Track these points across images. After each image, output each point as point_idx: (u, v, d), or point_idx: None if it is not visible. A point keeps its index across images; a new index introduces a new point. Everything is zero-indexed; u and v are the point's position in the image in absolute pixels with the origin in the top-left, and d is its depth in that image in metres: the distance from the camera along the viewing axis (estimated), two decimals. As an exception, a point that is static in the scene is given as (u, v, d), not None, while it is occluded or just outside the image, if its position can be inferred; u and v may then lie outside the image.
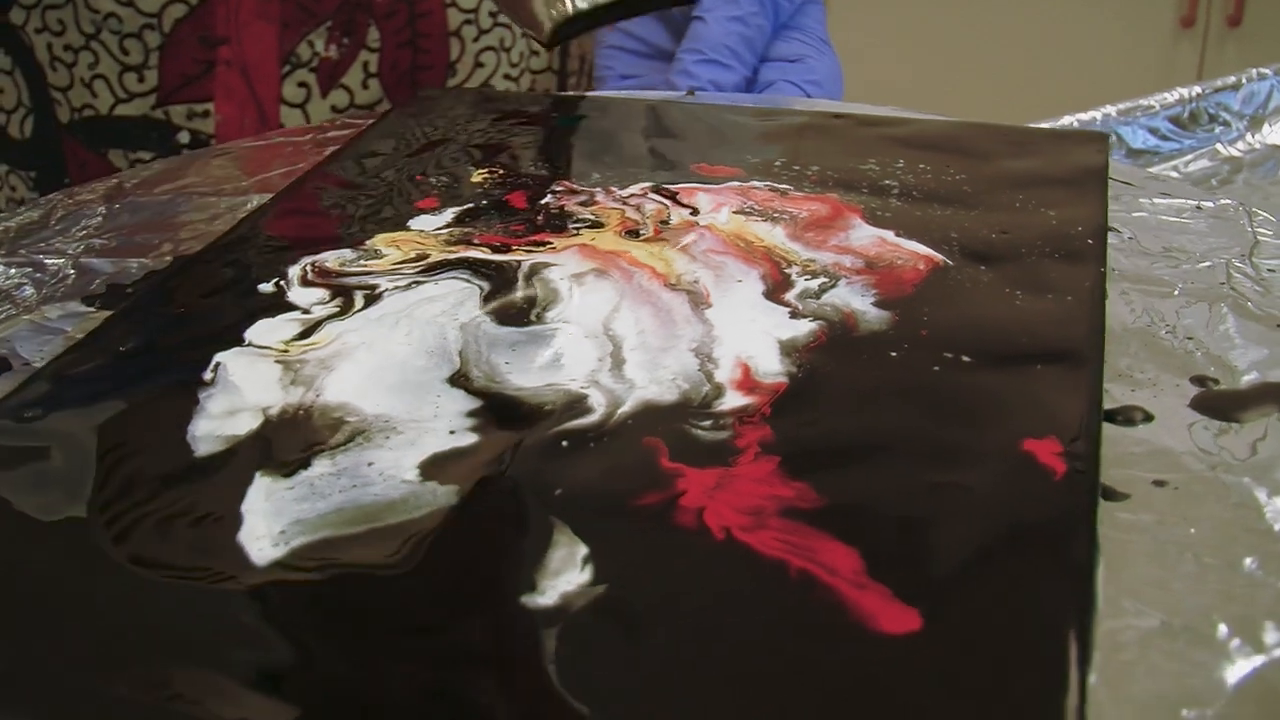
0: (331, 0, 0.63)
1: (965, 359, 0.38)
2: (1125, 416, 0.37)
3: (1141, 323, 0.42)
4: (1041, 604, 0.29)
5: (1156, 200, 0.51)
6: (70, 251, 0.50)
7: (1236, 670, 0.28)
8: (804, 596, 0.29)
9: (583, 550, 0.31)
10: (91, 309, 0.46)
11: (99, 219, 0.53)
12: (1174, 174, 0.68)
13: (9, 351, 0.43)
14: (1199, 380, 0.39)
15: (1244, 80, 0.74)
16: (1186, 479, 0.34)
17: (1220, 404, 0.38)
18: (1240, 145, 0.73)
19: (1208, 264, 0.46)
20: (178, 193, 0.56)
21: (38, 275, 0.48)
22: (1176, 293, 0.44)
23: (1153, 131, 0.72)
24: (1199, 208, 0.50)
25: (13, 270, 0.49)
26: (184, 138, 0.67)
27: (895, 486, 0.33)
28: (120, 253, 0.50)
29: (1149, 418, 0.37)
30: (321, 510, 0.33)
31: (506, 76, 0.71)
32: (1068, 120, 0.69)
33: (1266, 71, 0.74)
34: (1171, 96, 0.72)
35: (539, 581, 0.30)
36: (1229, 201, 0.50)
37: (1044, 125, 0.68)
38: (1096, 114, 0.70)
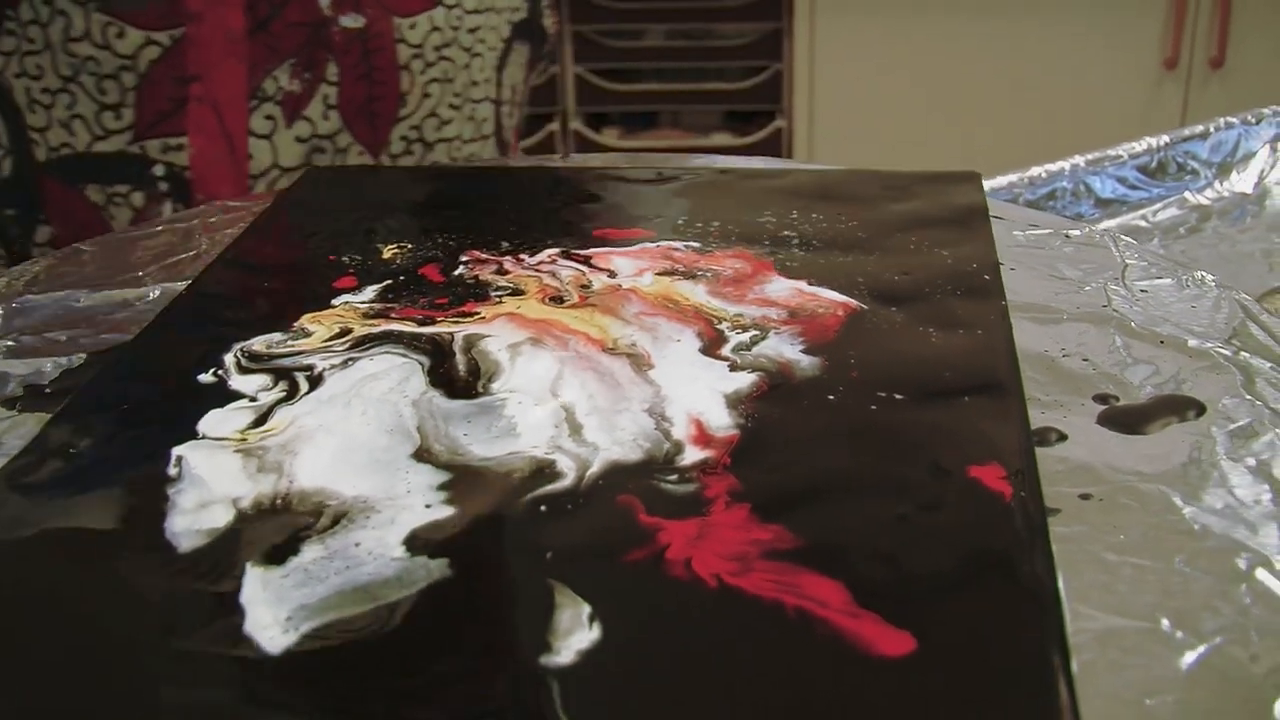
0: (295, 38, 0.68)
1: (898, 396, 0.41)
2: (1041, 437, 0.40)
3: (1039, 348, 0.45)
4: (1018, 616, 0.32)
5: (1028, 232, 0.55)
6: (-26, 355, 0.50)
7: (1185, 660, 0.31)
8: (805, 630, 0.31)
9: (586, 609, 0.32)
10: (13, 412, 0.45)
11: (-2, 320, 0.53)
12: (1143, 223, 0.70)
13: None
14: (1101, 398, 0.42)
15: (1212, 129, 0.76)
16: (1109, 490, 0.37)
17: (1125, 419, 0.41)
18: (1209, 193, 0.75)
19: (1088, 288, 0.49)
20: (72, 287, 0.55)
21: (-55, 382, 0.48)
22: (1065, 318, 0.47)
23: (1121, 181, 0.74)
24: (1068, 236, 0.54)
25: (-83, 378, 0.48)
26: (159, 170, 0.71)
27: (863, 521, 0.35)
28: (29, 352, 0.49)
29: (1063, 437, 0.40)
30: (322, 594, 0.33)
31: (451, 105, 0.75)
32: (1036, 172, 0.70)
33: (1234, 120, 0.77)
34: (1140, 146, 0.74)
35: (552, 642, 0.31)
36: (1094, 229, 0.55)
37: (1011, 176, 0.70)
38: (1065, 165, 0.71)
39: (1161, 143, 0.76)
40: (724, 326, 0.46)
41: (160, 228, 0.62)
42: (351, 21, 0.69)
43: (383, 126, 0.73)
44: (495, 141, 0.80)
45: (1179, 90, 2.09)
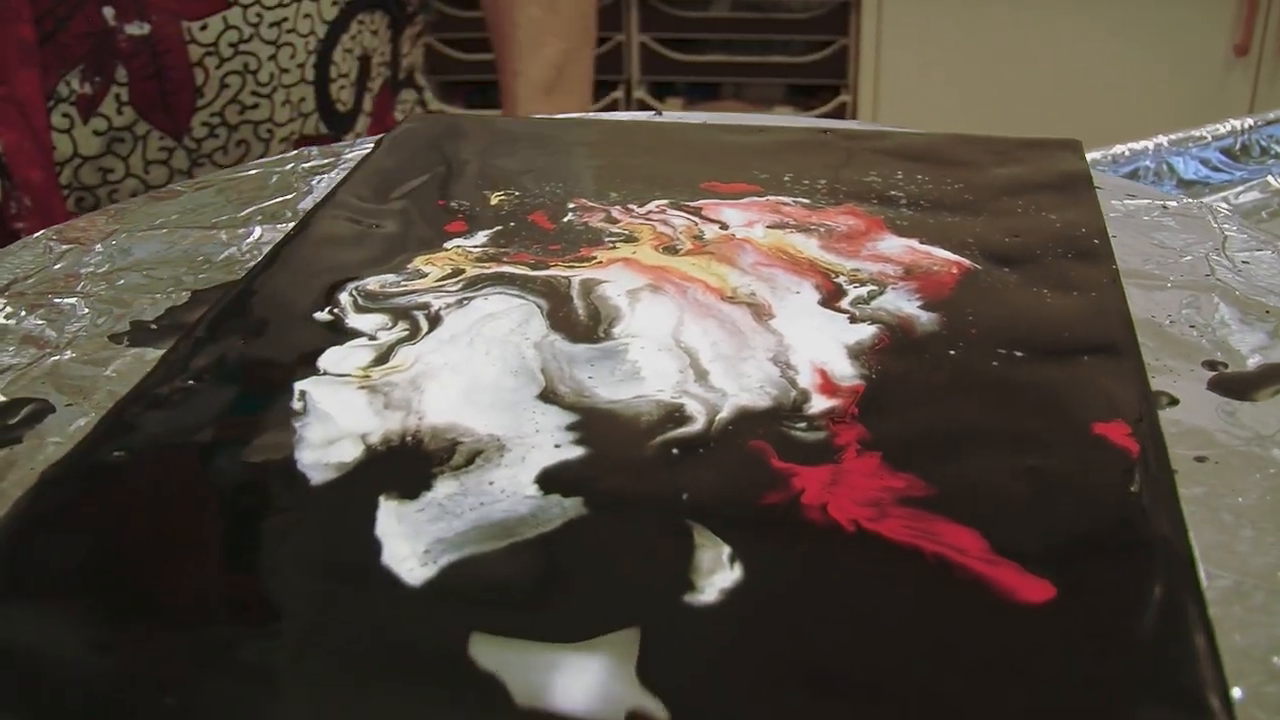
0: (81, 47, 0.76)
1: (1018, 354, 0.42)
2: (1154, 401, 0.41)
3: (1145, 313, 0.46)
4: (1154, 568, 0.32)
5: (1126, 202, 0.55)
6: (80, 290, 0.50)
7: (1309, 620, 0.32)
8: (945, 576, 0.32)
9: (727, 550, 0.33)
10: (121, 346, 0.46)
11: (99, 257, 0.54)
12: (1224, 205, 0.69)
13: (49, 393, 0.43)
14: (1210, 365, 0.43)
15: (1297, 113, 0.76)
16: (1224, 454, 0.38)
17: (1235, 385, 0.41)
18: (1292, 178, 0.74)
19: (1189, 258, 0.50)
20: (172, 228, 0.56)
21: (54, 317, 0.48)
22: (1170, 285, 0.48)
23: (1204, 162, 0.73)
24: (1165, 207, 0.54)
25: (23, 313, 0.48)
26: None
27: (993, 472, 0.36)
28: (133, 290, 0.50)
29: (1174, 401, 0.41)
30: (459, 529, 0.34)
31: (255, 93, 0.81)
32: (1120, 149, 0.70)
33: (1320, 104, 0.76)
34: (1224, 128, 0.73)
35: (695, 581, 0.32)
36: (1191, 201, 0.55)
37: (1095, 153, 0.69)
38: (1149, 144, 0.71)
39: (1245, 125, 0.75)
40: (841, 280, 0.47)
41: (252, 170, 0.63)
42: (137, 29, 0.76)
43: (181, 116, 0.80)
44: (321, 117, 0.86)
45: (1249, 77, 2.06)
